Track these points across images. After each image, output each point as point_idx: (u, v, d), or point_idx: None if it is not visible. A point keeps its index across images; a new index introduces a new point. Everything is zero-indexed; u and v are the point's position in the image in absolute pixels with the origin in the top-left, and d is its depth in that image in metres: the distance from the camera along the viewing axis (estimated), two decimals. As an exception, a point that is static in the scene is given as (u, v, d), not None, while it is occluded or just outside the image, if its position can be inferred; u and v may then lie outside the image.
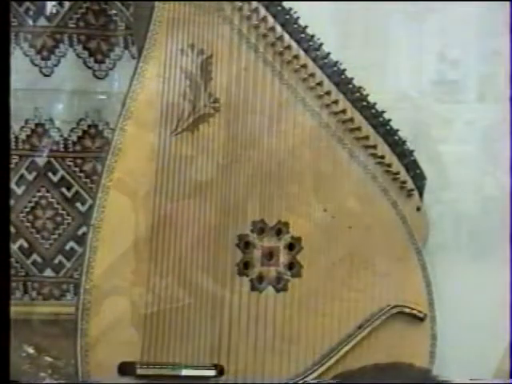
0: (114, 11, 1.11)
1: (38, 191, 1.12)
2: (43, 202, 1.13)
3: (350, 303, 0.96)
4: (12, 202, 1.11)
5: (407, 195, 0.99)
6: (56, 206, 1.13)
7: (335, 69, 0.97)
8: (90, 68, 1.12)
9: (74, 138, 1.12)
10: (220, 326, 0.93)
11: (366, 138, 0.97)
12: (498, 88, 1.11)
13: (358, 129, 0.97)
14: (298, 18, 0.96)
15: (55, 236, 1.13)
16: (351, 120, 0.97)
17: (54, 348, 1.12)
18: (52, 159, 1.12)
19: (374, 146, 0.98)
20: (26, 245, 1.13)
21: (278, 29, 0.95)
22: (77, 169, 1.13)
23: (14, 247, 1.13)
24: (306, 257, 0.96)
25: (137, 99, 0.92)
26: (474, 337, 1.09)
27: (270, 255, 0.95)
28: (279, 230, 0.95)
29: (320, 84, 0.96)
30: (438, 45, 1.13)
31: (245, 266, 0.95)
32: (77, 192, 1.13)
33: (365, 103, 0.98)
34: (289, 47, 0.95)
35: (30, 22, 1.09)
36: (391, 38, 1.12)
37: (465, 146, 1.13)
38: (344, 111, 0.97)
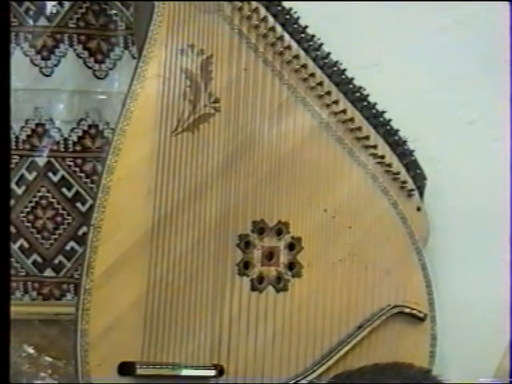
0: (114, 11, 1.11)
1: (39, 191, 1.12)
2: (43, 202, 1.12)
3: (350, 303, 0.96)
4: (12, 201, 1.11)
5: (407, 195, 0.99)
6: (56, 205, 1.13)
7: (335, 69, 0.97)
8: (90, 68, 1.12)
9: (75, 137, 1.12)
10: (220, 326, 0.93)
11: (367, 138, 0.97)
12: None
13: (359, 129, 0.97)
14: (298, 18, 0.96)
15: (55, 236, 1.13)
16: (351, 120, 0.97)
17: (54, 348, 1.12)
18: (52, 159, 1.12)
19: (375, 146, 0.98)
20: (26, 245, 1.13)
21: (278, 29, 0.95)
22: (77, 169, 1.13)
23: (15, 247, 1.12)
24: (306, 257, 0.96)
25: (137, 99, 0.92)
26: (474, 337, 1.09)
27: (270, 255, 0.95)
28: (279, 229, 0.95)
29: (320, 84, 0.96)
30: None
31: (245, 266, 0.95)
32: (77, 192, 1.13)
33: (365, 103, 0.98)
34: (289, 47, 0.95)
35: (30, 22, 1.09)
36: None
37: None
38: (344, 111, 0.97)
